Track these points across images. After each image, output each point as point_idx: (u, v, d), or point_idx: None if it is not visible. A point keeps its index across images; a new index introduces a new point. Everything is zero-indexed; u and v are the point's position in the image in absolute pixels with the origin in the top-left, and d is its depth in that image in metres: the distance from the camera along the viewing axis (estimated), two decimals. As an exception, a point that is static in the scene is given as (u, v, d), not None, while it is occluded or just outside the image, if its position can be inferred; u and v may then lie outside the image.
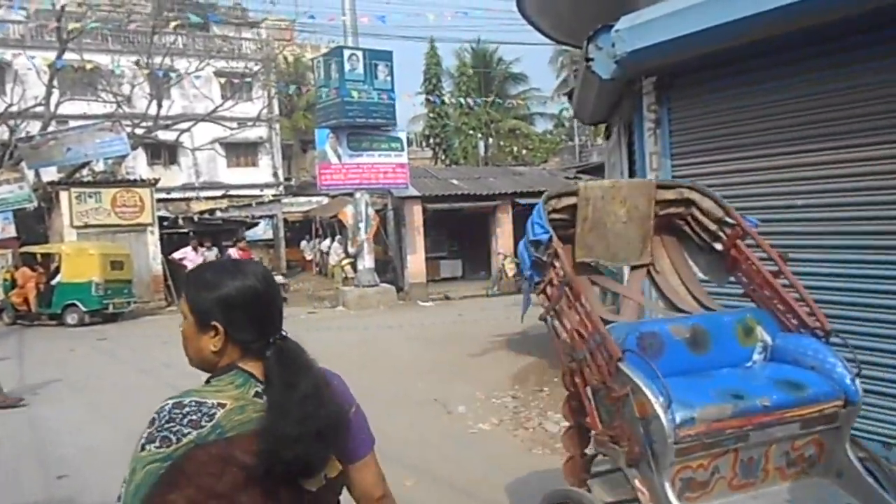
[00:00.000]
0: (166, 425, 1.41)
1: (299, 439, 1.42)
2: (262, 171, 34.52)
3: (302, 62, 40.70)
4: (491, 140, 38.47)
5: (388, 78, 16.07)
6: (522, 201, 18.98)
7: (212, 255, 14.94)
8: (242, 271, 1.57)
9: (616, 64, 5.23)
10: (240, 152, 33.78)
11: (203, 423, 1.41)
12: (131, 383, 9.09)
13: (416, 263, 18.29)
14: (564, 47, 43.91)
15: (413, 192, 18.09)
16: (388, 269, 19.90)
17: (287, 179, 35.85)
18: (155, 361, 10.52)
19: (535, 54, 53.98)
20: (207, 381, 1.55)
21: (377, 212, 17.75)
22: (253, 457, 1.40)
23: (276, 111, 34.11)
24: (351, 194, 22.70)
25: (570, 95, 8.99)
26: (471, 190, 19.04)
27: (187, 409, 1.43)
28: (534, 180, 20.86)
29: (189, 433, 1.39)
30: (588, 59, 5.36)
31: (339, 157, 16.12)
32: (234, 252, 12.41)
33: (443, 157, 37.46)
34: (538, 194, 19.32)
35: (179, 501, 1.38)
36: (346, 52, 15.50)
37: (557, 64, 44.47)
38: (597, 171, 22.71)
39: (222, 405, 1.45)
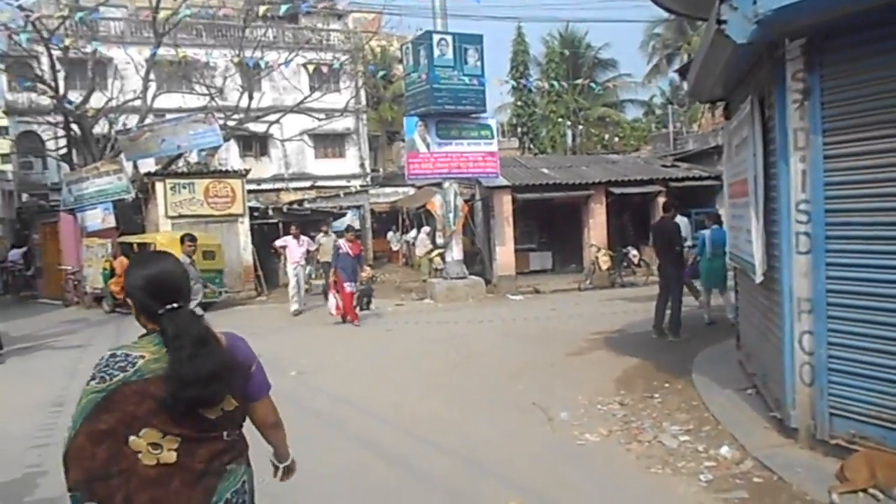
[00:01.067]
0: (104, 368, 2.08)
1: (192, 382, 2.03)
2: (350, 162, 34.74)
3: (389, 53, 40.77)
4: (580, 128, 37.26)
5: (479, 63, 15.49)
6: (617, 190, 18.07)
7: (305, 241, 15.14)
8: (147, 263, 2.27)
9: (756, 24, 4.47)
10: (327, 143, 34.08)
11: (128, 368, 2.07)
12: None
13: (504, 255, 17.68)
14: (657, 31, 42.64)
15: (502, 181, 17.46)
16: (476, 261, 19.35)
17: (374, 170, 35.96)
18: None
19: (625, 39, 52.19)
20: (136, 341, 2.20)
21: (465, 202, 17.21)
22: (162, 392, 2.04)
23: (364, 102, 34.15)
24: (439, 184, 22.39)
25: (682, 72, 8.16)
26: (562, 179, 18.25)
27: (118, 358, 2.11)
28: (628, 168, 19.84)
29: (118, 375, 2.06)
30: (720, 22, 4.60)
31: (427, 145, 15.69)
32: (343, 242, 12.62)
33: (529, 147, 36.64)
34: (634, 183, 18.45)
35: (110, 420, 2.02)
36: (436, 37, 15.01)
37: (649, 49, 42.84)
38: (696, 157, 21.47)
39: (142, 357, 2.11)
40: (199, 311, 8.75)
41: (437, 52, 14.97)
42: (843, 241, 4.47)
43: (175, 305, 2.18)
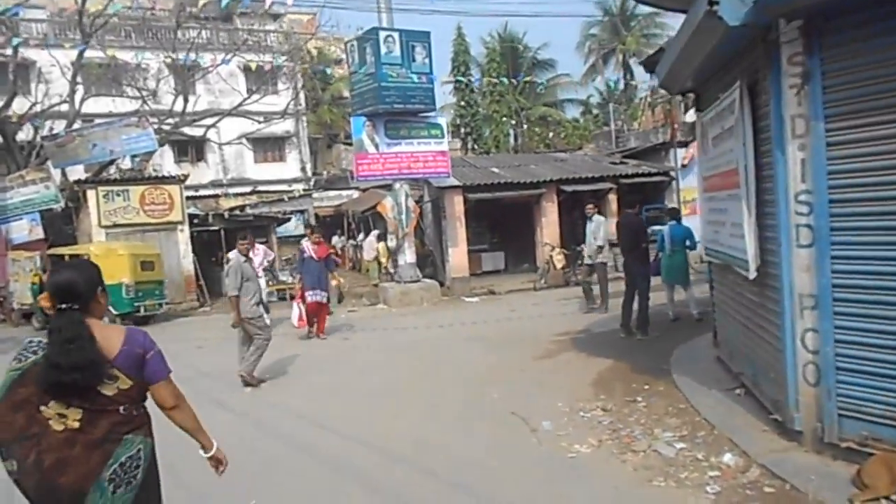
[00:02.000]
0: (21, 352, 2.63)
1: (56, 367, 2.52)
2: (290, 166, 33.85)
3: (326, 54, 40.00)
4: (523, 128, 37.30)
5: (427, 60, 15.10)
6: (568, 188, 17.95)
7: (261, 250, 13.09)
8: (57, 270, 3.08)
9: (752, 5, 4.22)
10: (267, 147, 33.14)
11: (38, 352, 2.60)
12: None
13: (458, 257, 17.34)
14: (592, 31, 43.16)
15: (453, 181, 17.12)
16: (427, 263, 18.96)
17: (315, 174, 35.18)
18: (190, 369, 9.68)
19: (561, 40, 52.58)
20: None
21: (416, 203, 16.80)
22: (45, 371, 2.55)
23: (303, 104, 33.36)
24: (388, 186, 21.91)
25: (648, 64, 7.95)
26: (514, 178, 18.02)
27: (32, 344, 2.65)
28: (577, 166, 19.79)
29: (30, 357, 2.60)
30: (712, 3, 4.33)
31: (376, 146, 15.21)
32: (307, 245, 11.48)
33: (473, 147, 36.48)
34: (585, 181, 18.37)
35: (25, 393, 2.55)
36: (382, 34, 14.54)
37: (585, 49, 43.39)
38: (642, 154, 21.56)
39: (46, 346, 2.61)
40: (259, 310, 8.57)
41: (383, 50, 14.51)
42: (850, 232, 4.24)
43: (64, 306, 2.62)
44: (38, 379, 2.55)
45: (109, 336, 2.68)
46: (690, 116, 22.42)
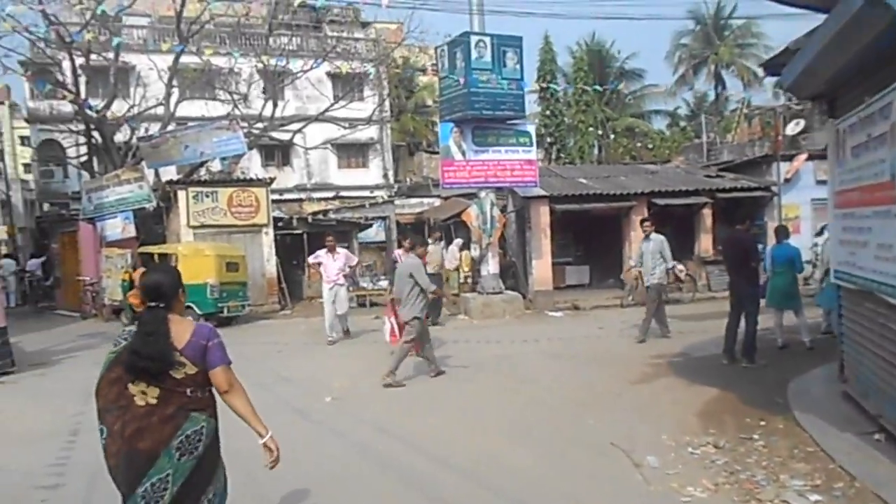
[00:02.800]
0: (117, 338, 3.25)
1: (142, 350, 3.09)
2: (373, 172, 34.08)
3: (411, 63, 40.19)
4: (609, 138, 36.32)
5: (518, 66, 14.65)
6: (661, 201, 17.12)
7: (342, 255, 12.63)
8: (148, 274, 3.45)
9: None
10: (351, 153, 33.47)
11: (123, 338, 3.22)
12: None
13: (542, 269, 16.78)
14: (683, 41, 41.77)
15: (539, 191, 16.60)
16: (509, 274, 18.45)
17: (396, 181, 35.29)
18: (272, 374, 9.56)
19: (650, 49, 51.12)
20: None
21: (502, 212, 16.34)
22: (120, 362, 3.17)
23: (388, 112, 33.52)
24: (471, 194, 21.51)
25: (770, 66, 7.27)
26: (602, 189, 17.33)
27: (125, 333, 3.25)
28: (670, 179, 18.89)
29: (122, 343, 3.19)
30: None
31: (463, 153, 14.86)
32: (400, 254, 10.90)
33: (557, 157, 35.78)
34: (678, 194, 17.50)
35: (117, 371, 3.15)
36: (473, 39, 14.20)
37: (675, 59, 42.06)
38: (740, 168, 20.33)
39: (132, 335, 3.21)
40: (416, 311, 8.80)
41: (474, 55, 14.15)
42: None
43: (153, 304, 3.22)
44: (126, 361, 3.18)
45: (182, 329, 3.24)
46: (791, 129, 21.18)
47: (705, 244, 17.72)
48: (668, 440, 5.91)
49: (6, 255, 25.29)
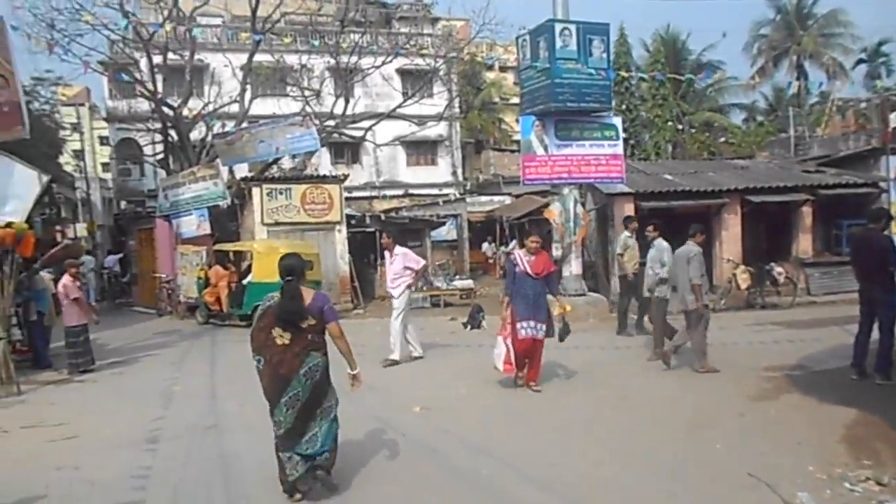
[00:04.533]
0: (265, 300, 5.01)
1: (285, 308, 4.85)
2: (441, 170, 33.70)
3: (477, 60, 39.57)
4: (687, 132, 34.86)
5: (604, 55, 13.85)
6: (755, 198, 16.00)
7: (400, 255, 10.47)
8: (284, 258, 5.09)
9: None
10: (420, 151, 33.16)
11: (272, 300, 4.95)
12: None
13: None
14: (763, 32, 39.83)
15: (623, 188, 15.72)
16: (588, 275, 17.62)
17: (464, 179, 34.83)
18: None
19: (727, 41, 48.96)
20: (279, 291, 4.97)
21: (587, 211, 15.54)
22: (276, 311, 4.90)
23: (457, 109, 33.05)
24: (547, 191, 20.74)
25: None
26: (691, 186, 16.31)
27: (270, 298, 4.97)
28: (763, 174, 17.70)
29: (269, 303, 4.96)
30: None
31: (545, 147, 14.14)
32: (520, 254, 8.14)
33: (632, 153, 34.57)
34: (775, 190, 16.28)
35: (265, 321, 4.90)
36: (558, 26, 13.44)
37: (753, 50, 40.21)
38: (843, 163, 18.67)
39: (275, 298, 4.94)
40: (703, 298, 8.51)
41: (558, 43, 13.39)
42: None
43: (289, 278, 4.93)
44: (273, 314, 4.90)
45: (307, 295, 4.97)
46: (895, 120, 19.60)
47: (804, 244, 16.48)
48: (817, 472, 5.11)
49: (86, 252, 25.84)
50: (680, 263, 8.86)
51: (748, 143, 33.96)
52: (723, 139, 34.29)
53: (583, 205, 16.27)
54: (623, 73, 27.85)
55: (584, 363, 9.80)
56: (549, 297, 8.17)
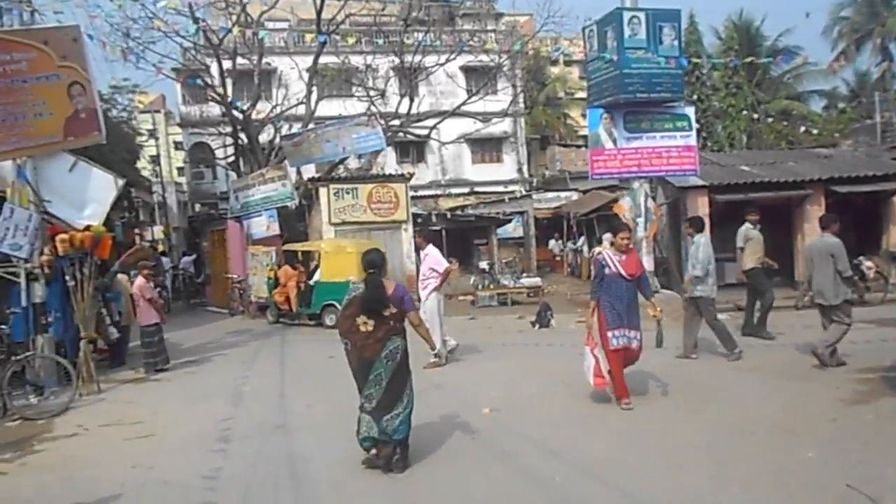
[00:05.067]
0: (350, 290, 5.67)
1: (368, 297, 5.45)
2: (507, 167, 33.45)
3: (542, 55, 39.06)
4: (762, 122, 33.47)
5: (675, 42, 13.31)
6: (842, 189, 15.16)
7: (430, 256, 10.11)
8: (366, 253, 5.74)
9: None
10: (485, 148, 32.98)
11: (357, 291, 5.59)
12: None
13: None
14: (844, 14, 37.84)
15: (696, 180, 15.14)
16: (660, 272, 17.06)
17: (530, 175, 34.45)
18: (423, 380, 8.86)
19: (805, 24, 46.64)
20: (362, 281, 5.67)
21: (658, 205, 15.02)
22: (360, 300, 5.51)
23: (522, 105, 32.71)
24: (615, 186, 20.22)
25: None
26: (771, 177, 15.57)
27: (356, 287, 5.66)
28: (849, 163, 16.75)
29: (353, 293, 5.60)
30: None
31: (613, 140, 13.72)
32: (608, 255, 7.21)
33: (703, 145, 33.44)
34: (863, 180, 15.36)
35: (350, 309, 5.53)
36: (626, 15, 13.00)
37: (834, 34, 38.24)
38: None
39: (359, 287, 5.58)
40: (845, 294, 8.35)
41: (627, 32, 12.95)
42: None
43: (371, 271, 5.52)
44: (358, 303, 5.50)
45: (388, 287, 5.59)
46: None
47: (895, 237, 15.53)
48: (930, 487, 4.67)
49: (161, 254, 26.76)
50: (819, 258, 8.40)
51: (830, 132, 32.33)
52: (802, 128, 32.71)
53: (653, 199, 15.75)
54: (696, 60, 26.75)
55: (660, 365, 9.37)
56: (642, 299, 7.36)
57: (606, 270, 7.03)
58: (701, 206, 15.32)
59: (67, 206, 10.20)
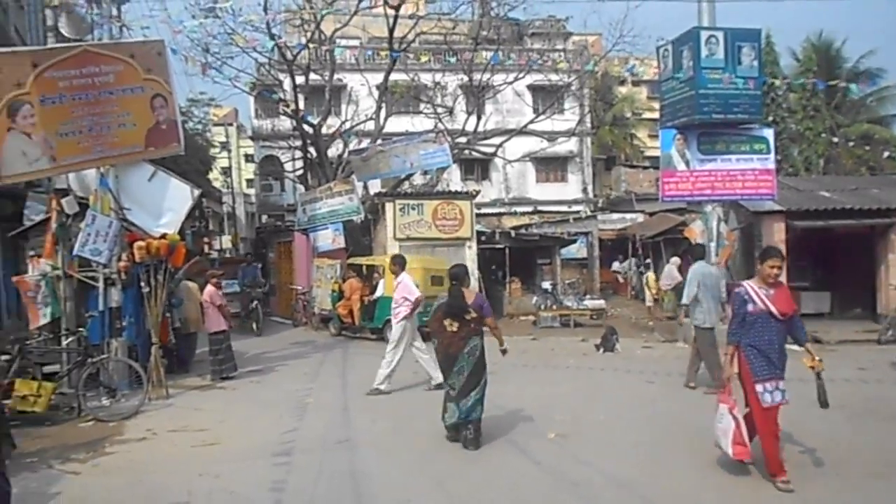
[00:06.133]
0: (438, 300, 7.28)
1: (451, 304, 6.80)
2: (571, 186, 33.07)
3: (610, 75, 38.64)
4: (841, 147, 32.14)
5: (755, 63, 12.91)
6: (931, 218, 14.39)
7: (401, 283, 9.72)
8: (452, 267, 7.15)
9: None
10: (550, 167, 32.73)
11: (441, 299, 7.15)
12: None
13: (774, 294, 14.68)
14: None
15: (773, 205, 14.61)
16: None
17: (594, 196, 33.98)
18: (487, 401, 8.80)
19: (889, 45, 44.71)
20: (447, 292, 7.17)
21: (731, 230, 14.54)
22: (446, 306, 6.89)
23: (588, 125, 32.37)
24: (683, 209, 19.72)
25: None
26: (853, 204, 14.90)
27: (441, 299, 7.15)
28: (938, 191, 15.90)
29: (441, 302, 7.08)
30: None
31: (686, 162, 13.37)
32: (750, 287, 6.29)
33: (776, 169, 32.35)
34: (953, 210, 14.58)
35: (439, 314, 6.89)
36: (703, 34, 12.70)
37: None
38: None
39: (446, 297, 7.07)
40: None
41: (704, 52, 12.63)
42: None
43: (455, 283, 6.85)
44: (444, 308, 6.79)
45: (469, 295, 6.86)
46: None
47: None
48: None
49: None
50: None
51: (919, 158, 30.87)
52: (885, 153, 31.29)
53: (726, 223, 15.26)
54: (775, 81, 25.94)
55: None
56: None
57: (750, 307, 5.66)
58: (777, 232, 14.78)
59: (145, 215, 10.51)
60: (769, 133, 13.76)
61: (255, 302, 17.60)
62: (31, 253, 10.48)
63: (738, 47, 12.82)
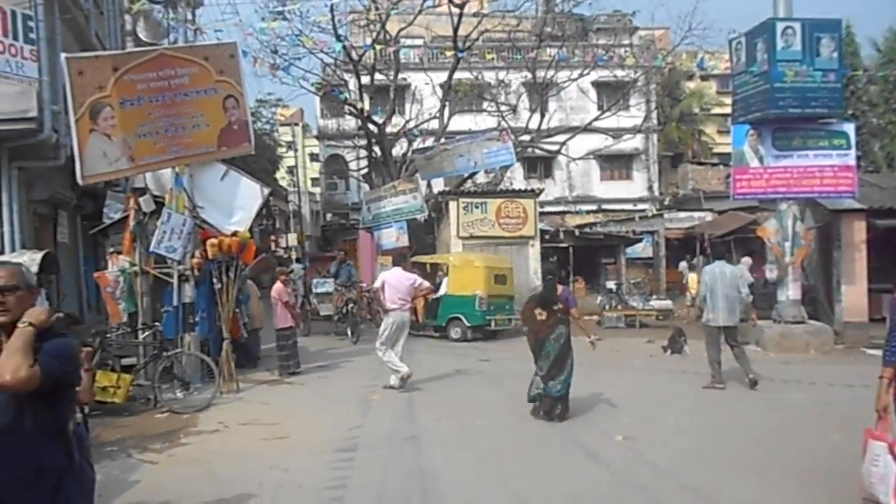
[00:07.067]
0: (531, 292, 12.47)
1: (543, 295, 8.05)
2: (636, 184, 32.48)
3: (678, 70, 37.70)
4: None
5: (835, 54, 12.40)
6: None
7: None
8: (546, 263, 16.73)
9: None
10: (614, 165, 32.22)
11: (534, 291, 11.66)
12: (530, 435, 7.32)
13: (854, 297, 14.07)
14: None
15: (853, 203, 13.97)
16: (806, 300, 15.85)
17: (660, 194, 33.27)
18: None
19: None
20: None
21: (808, 229, 13.97)
22: (538, 297, 8.27)
23: (655, 121, 31.71)
24: (754, 208, 19.10)
25: None
26: (941, 202, 14.14)
27: (537, 289, 11.68)
28: None
29: (534, 293, 10.17)
30: None
31: (760, 158, 12.94)
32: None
33: (859, 165, 30.93)
34: None
35: (531, 304, 8.08)
36: (779, 26, 12.26)
37: None
38: None
39: (538, 290, 10.67)
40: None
41: (780, 44, 12.21)
42: None
43: (550, 277, 8.53)
44: (536, 299, 8.06)
45: (559, 288, 8.05)
46: None
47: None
48: None
49: (295, 260, 27.96)
50: None
51: None
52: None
53: (802, 222, 14.70)
54: (856, 73, 24.82)
55: (812, 401, 8.70)
56: None
57: None
58: (857, 232, 14.13)
59: (218, 213, 10.81)
60: (849, 128, 13.20)
61: (351, 304, 15.80)
62: (111, 250, 10.94)
63: (817, 38, 12.35)
